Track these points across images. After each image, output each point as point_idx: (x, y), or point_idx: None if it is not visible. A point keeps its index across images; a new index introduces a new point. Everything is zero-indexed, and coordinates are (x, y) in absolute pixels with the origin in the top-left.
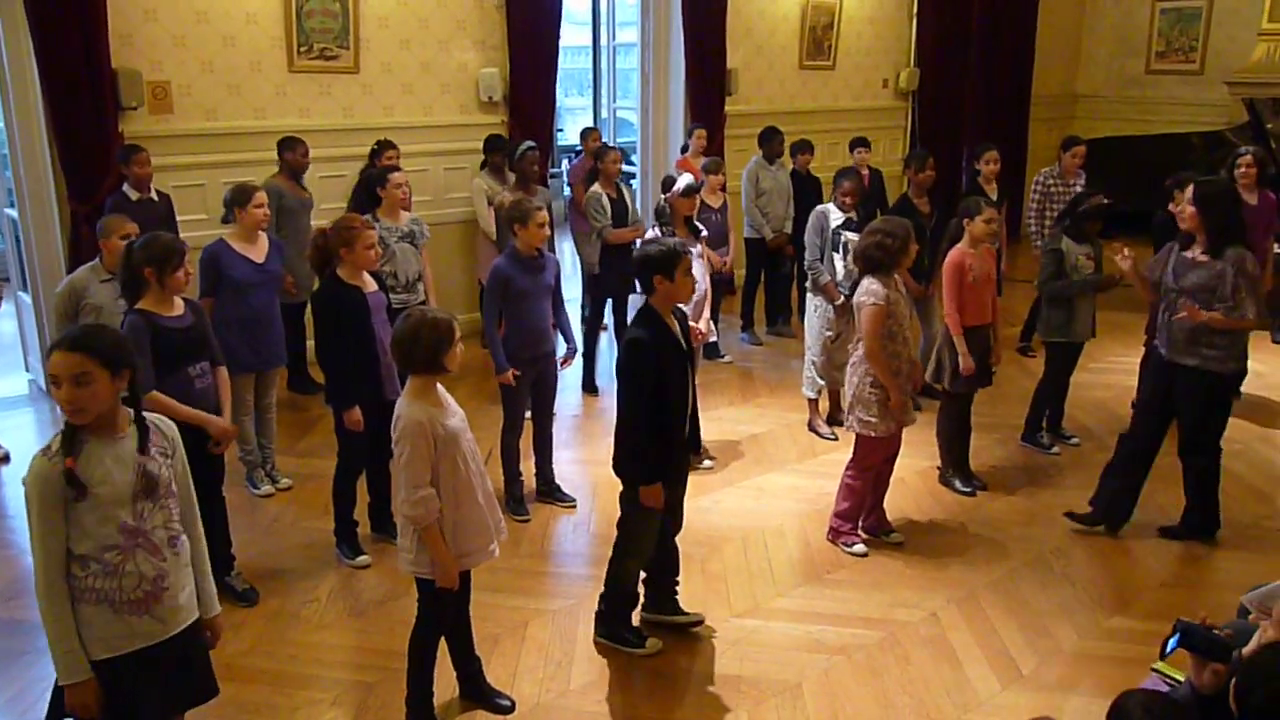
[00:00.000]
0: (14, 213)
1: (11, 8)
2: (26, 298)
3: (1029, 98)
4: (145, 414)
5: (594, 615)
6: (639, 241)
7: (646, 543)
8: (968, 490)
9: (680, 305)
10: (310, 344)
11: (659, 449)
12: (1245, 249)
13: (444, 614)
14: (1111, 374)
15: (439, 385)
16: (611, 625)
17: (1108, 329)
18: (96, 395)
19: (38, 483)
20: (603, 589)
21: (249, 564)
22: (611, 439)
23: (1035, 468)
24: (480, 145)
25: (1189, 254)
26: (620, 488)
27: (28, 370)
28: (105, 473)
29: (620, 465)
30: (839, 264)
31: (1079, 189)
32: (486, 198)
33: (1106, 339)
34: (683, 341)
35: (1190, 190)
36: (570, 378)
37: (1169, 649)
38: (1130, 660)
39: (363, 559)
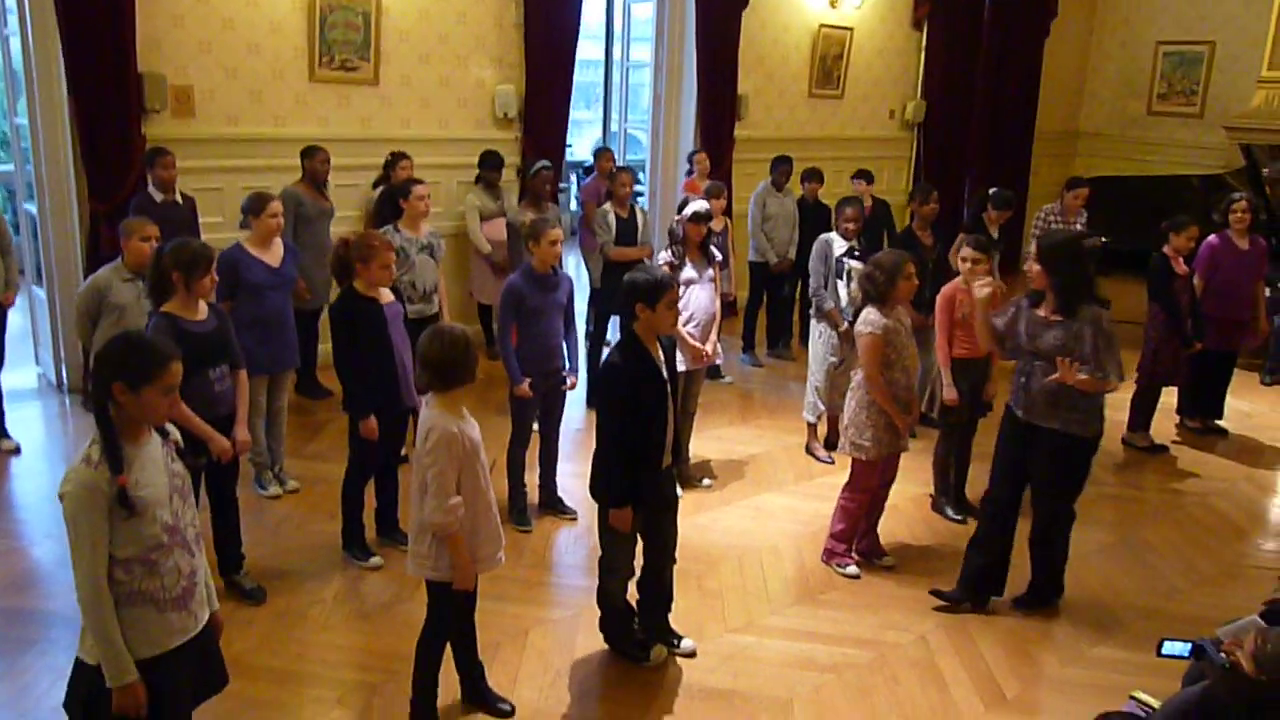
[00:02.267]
0: (32, 207)
1: (43, 11)
2: (40, 292)
3: (1033, 133)
4: None
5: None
6: (647, 261)
7: (622, 561)
8: (958, 517)
9: (666, 334)
10: (321, 349)
11: (630, 475)
12: (1098, 305)
13: (452, 617)
14: (1108, 408)
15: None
16: (614, 641)
17: None
18: None
19: (83, 493)
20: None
21: (256, 564)
22: None
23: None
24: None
25: (1040, 312)
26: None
27: (38, 364)
28: (147, 477)
29: (593, 487)
30: (843, 291)
31: (1080, 227)
32: (479, 213)
33: None
34: (664, 370)
35: (1034, 245)
36: (575, 393)
37: (1167, 652)
38: (1110, 688)
39: (375, 560)
